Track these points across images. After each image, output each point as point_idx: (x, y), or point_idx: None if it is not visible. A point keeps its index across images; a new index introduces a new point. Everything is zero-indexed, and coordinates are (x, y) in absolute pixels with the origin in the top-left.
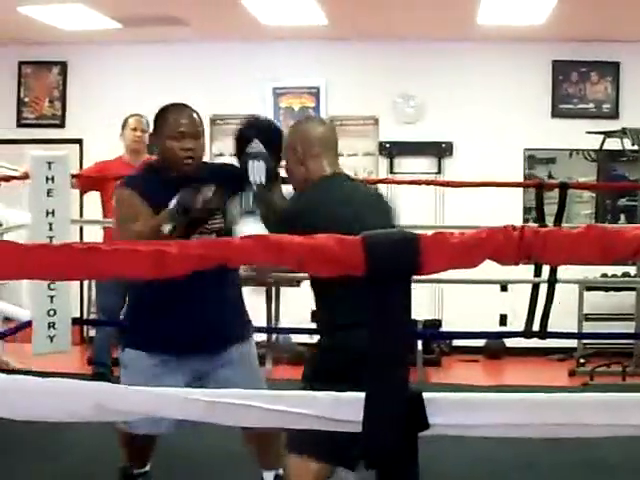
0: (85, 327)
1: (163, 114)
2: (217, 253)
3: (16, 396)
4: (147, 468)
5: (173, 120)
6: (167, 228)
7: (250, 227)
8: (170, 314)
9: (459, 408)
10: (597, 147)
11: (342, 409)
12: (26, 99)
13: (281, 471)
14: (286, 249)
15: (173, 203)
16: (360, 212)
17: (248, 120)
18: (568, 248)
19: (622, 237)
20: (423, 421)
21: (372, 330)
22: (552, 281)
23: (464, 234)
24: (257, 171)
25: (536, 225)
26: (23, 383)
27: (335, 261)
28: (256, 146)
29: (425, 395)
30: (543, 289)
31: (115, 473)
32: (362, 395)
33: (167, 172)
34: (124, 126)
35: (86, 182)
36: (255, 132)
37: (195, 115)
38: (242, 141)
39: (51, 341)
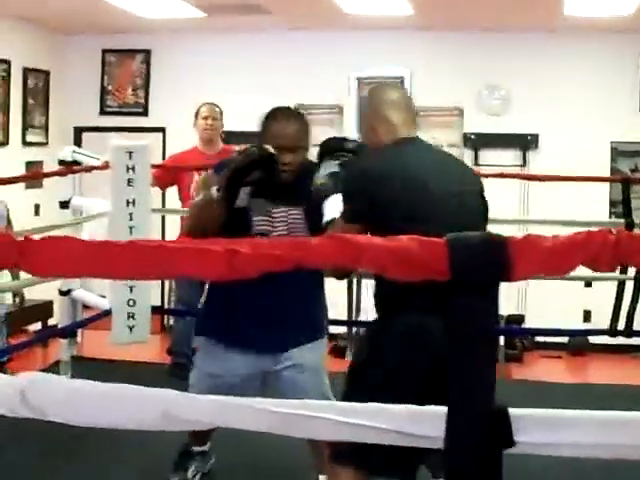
0: (165, 316)
1: (268, 121)
2: (292, 254)
3: (82, 402)
4: (207, 447)
5: (275, 131)
6: (214, 189)
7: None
8: (238, 308)
9: (547, 425)
10: None
11: (421, 424)
12: (109, 87)
13: None
14: (365, 251)
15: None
16: (433, 175)
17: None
18: None
19: None
20: (508, 438)
21: (455, 340)
22: (638, 278)
23: (557, 237)
24: (332, 208)
25: (622, 220)
26: (90, 388)
27: (417, 265)
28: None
29: (511, 411)
30: (628, 286)
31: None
32: (442, 409)
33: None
34: (197, 115)
35: (163, 178)
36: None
37: (298, 126)
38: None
39: (130, 331)
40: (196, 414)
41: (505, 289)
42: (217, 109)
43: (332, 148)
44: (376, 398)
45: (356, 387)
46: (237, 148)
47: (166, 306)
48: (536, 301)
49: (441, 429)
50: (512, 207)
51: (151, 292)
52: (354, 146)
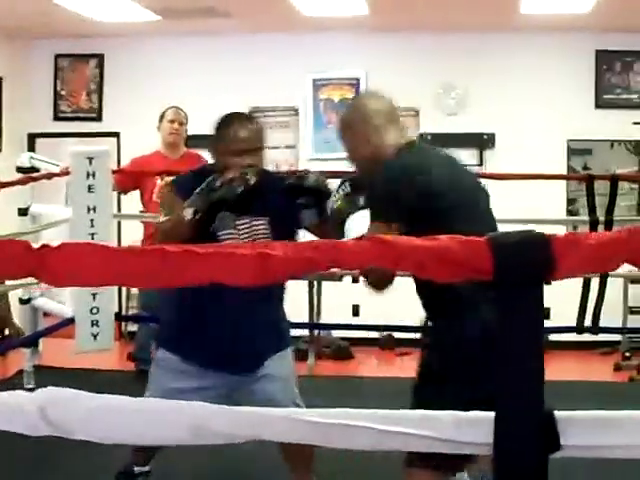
0: (123, 323)
1: (224, 126)
2: (327, 256)
3: (107, 418)
4: (148, 468)
5: (234, 135)
6: (189, 212)
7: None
8: (204, 327)
9: (594, 427)
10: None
11: (466, 430)
12: (63, 92)
13: None
14: (405, 252)
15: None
16: (458, 172)
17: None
18: None
19: None
20: (555, 442)
21: (501, 341)
22: (604, 275)
23: (600, 234)
24: (358, 225)
25: (578, 218)
26: (115, 403)
27: (459, 265)
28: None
29: (557, 413)
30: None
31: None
32: (489, 415)
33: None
34: (161, 118)
35: (125, 183)
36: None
37: (255, 127)
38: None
39: (94, 339)
40: (230, 427)
41: None
42: (183, 113)
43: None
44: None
45: (440, 397)
46: (197, 152)
47: (124, 313)
48: None
49: (488, 435)
50: None
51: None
52: (313, 182)
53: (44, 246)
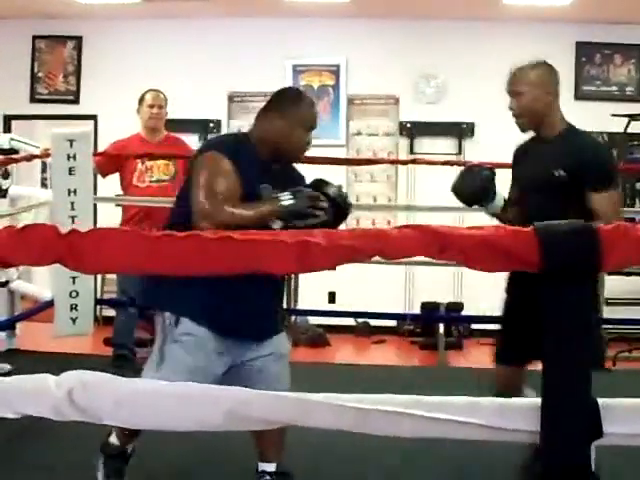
0: (99, 307)
1: (301, 100)
2: (372, 245)
3: (138, 402)
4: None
5: (311, 112)
6: (277, 225)
7: None
8: (235, 295)
9: (636, 415)
10: (617, 129)
11: (512, 417)
12: (40, 74)
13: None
14: (451, 241)
15: (287, 199)
16: None
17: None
18: None
19: None
20: (598, 429)
21: (550, 332)
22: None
23: None
24: None
25: None
26: (146, 387)
27: (506, 257)
28: None
29: (601, 401)
30: None
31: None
32: (533, 402)
33: (268, 154)
34: (140, 102)
35: (106, 166)
36: None
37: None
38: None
39: (73, 323)
40: (267, 412)
41: (442, 277)
42: (162, 96)
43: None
44: None
45: None
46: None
47: (100, 297)
48: (473, 289)
49: (533, 423)
50: (447, 195)
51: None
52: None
53: (73, 231)
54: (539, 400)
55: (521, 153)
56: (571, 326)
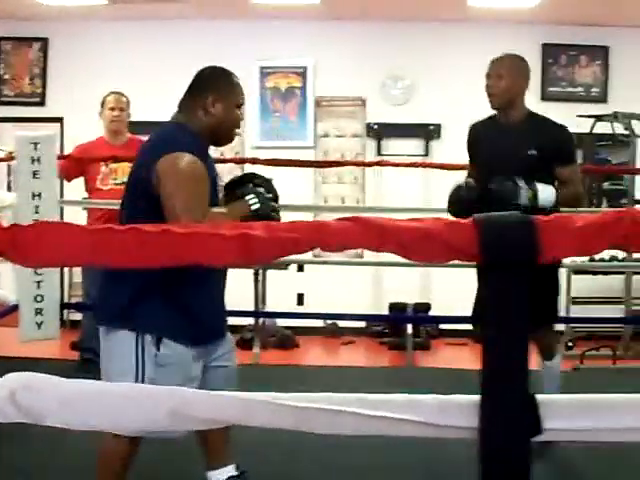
0: (66, 311)
1: (229, 79)
2: (311, 237)
3: (82, 403)
4: None
5: (239, 89)
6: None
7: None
8: (199, 299)
9: (576, 411)
10: (584, 131)
11: (451, 414)
12: (5, 76)
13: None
14: (391, 234)
15: (254, 202)
16: None
17: None
18: None
19: None
20: (537, 426)
21: (489, 325)
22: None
23: (587, 218)
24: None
25: None
26: (90, 388)
27: (446, 248)
28: None
29: (539, 397)
30: None
31: None
32: (472, 399)
33: (208, 140)
34: (103, 104)
35: (70, 170)
36: None
37: None
38: None
39: (39, 327)
40: (210, 412)
41: (410, 277)
42: (124, 99)
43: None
44: None
45: None
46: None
47: (67, 301)
48: (441, 289)
49: (472, 419)
50: (415, 196)
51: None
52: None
53: (14, 225)
54: (478, 397)
55: (481, 133)
56: (509, 318)
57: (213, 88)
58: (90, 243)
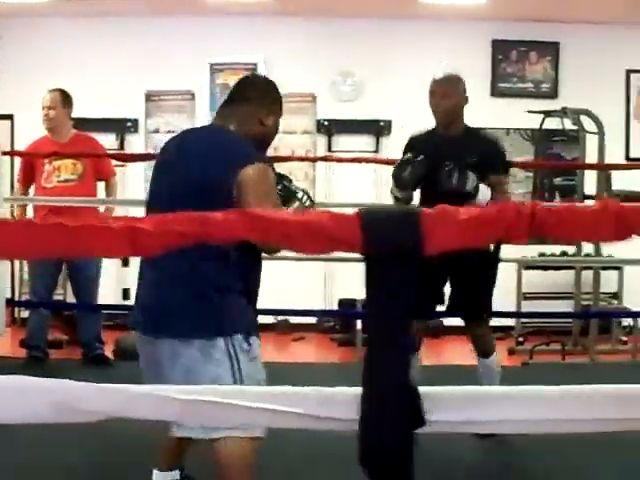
0: (17, 308)
1: (279, 92)
2: (197, 229)
3: None
4: None
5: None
6: None
7: None
8: (256, 293)
9: (461, 403)
10: (535, 126)
11: (331, 406)
12: None
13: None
14: (275, 226)
15: (307, 200)
16: None
17: None
18: (585, 226)
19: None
20: (420, 418)
21: (370, 317)
22: (494, 261)
23: (472, 210)
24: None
25: None
26: None
27: (330, 240)
28: None
29: (422, 389)
30: None
31: None
32: (353, 391)
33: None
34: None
35: (26, 179)
36: None
37: None
38: None
39: None
40: (95, 405)
41: (359, 272)
42: (59, 97)
43: None
44: None
45: None
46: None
47: (17, 298)
48: None
49: (353, 411)
50: (366, 192)
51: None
52: None
53: None
54: (359, 389)
55: (421, 144)
56: (391, 310)
57: (268, 101)
58: None
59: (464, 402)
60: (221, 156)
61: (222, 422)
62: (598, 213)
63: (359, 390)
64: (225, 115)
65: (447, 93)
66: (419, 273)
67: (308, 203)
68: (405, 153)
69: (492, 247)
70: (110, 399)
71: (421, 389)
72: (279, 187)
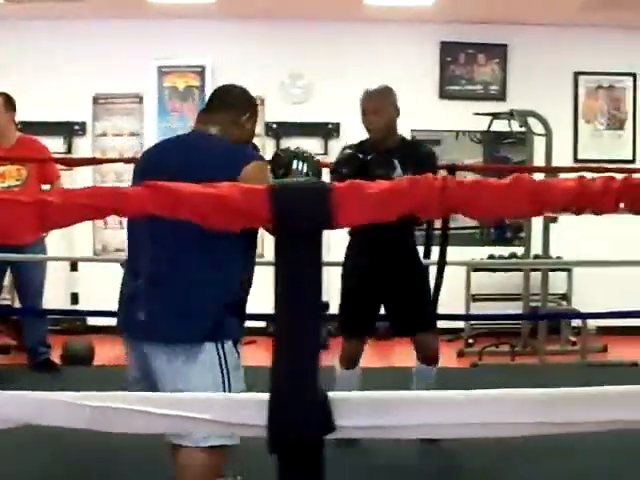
0: None
1: (254, 98)
2: (107, 203)
3: None
4: None
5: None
6: None
7: None
8: (242, 302)
9: (370, 408)
10: (483, 128)
11: (240, 412)
12: None
13: None
14: (183, 199)
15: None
16: None
17: None
18: (497, 200)
19: (554, 189)
20: (330, 423)
21: (279, 297)
22: (442, 263)
23: (383, 184)
24: None
25: None
26: None
27: (240, 214)
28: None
29: (331, 395)
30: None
31: None
32: (261, 396)
33: None
34: None
35: None
36: None
37: None
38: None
39: None
40: (5, 412)
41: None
42: (1, 101)
43: None
44: None
45: None
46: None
47: None
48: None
49: (261, 416)
50: None
51: None
52: None
53: None
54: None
55: (354, 159)
56: (299, 285)
57: (247, 106)
58: None
59: (375, 407)
60: (225, 159)
61: (132, 429)
62: (511, 188)
63: (265, 396)
64: (206, 121)
65: (379, 107)
66: (355, 294)
67: (305, 170)
68: (339, 166)
69: (422, 256)
70: (21, 406)
71: (330, 394)
72: (272, 156)
